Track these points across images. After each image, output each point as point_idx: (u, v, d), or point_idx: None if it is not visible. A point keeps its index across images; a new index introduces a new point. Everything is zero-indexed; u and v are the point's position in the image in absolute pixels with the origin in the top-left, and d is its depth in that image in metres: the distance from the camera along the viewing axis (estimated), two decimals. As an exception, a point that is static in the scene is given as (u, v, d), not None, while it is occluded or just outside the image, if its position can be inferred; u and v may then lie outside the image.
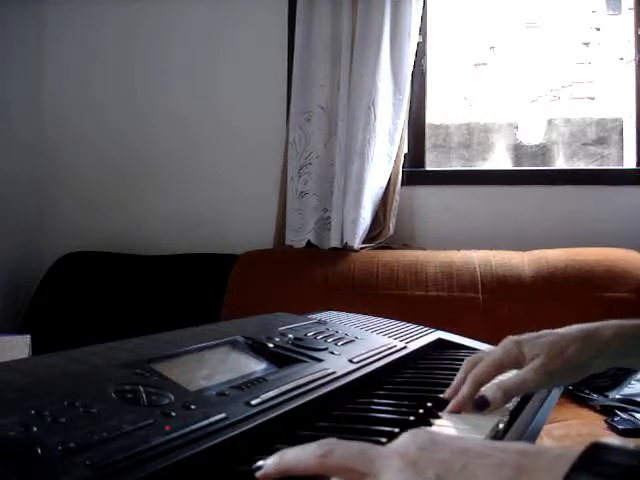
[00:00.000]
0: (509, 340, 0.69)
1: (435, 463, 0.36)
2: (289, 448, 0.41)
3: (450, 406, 0.64)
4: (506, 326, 1.81)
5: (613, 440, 0.32)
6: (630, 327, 0.68)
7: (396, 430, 0.52)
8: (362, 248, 2.09)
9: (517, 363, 0.67)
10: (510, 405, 0.66)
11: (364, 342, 0.80)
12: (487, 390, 0.63)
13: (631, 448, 0.31)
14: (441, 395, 0.67)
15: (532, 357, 0.66)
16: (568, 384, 0.75)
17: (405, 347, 0.83)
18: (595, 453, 0.31)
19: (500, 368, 0.68)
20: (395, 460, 0.36)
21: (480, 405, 0.62)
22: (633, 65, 2.22)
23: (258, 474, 0.40)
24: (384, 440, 0.49)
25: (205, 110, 2.42)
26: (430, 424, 0.58)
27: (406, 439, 0.38)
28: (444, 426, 0.58)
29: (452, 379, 0.68)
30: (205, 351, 0.64)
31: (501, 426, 0.60)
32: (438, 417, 0.60)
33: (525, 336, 0.69)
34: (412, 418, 0.56)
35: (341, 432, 0.50)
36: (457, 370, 0.77)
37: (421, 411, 0.58)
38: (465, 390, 0.65)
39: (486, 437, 0.56)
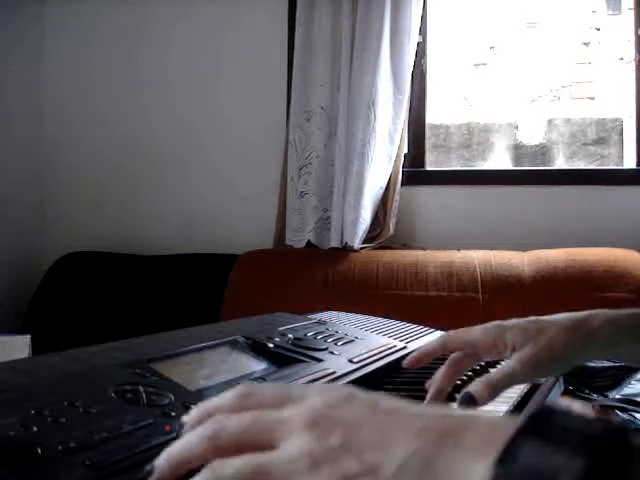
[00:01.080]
0: (493, 323, 0.66)
1: (343, 425, 0.30)
2: (209, 399, 0.36)
3: (408, 359, 0.63)
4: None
5: (565, 404, 0.27)
6: (619, 316, 0.64)
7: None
8: (362, 248, 2.09)
9: (494, 347, 0.64)
10: (515, 396, 0.66)
11: (364, 342, 0.80)
12: (472, 386, 0.59)
13: (588, 415, 0.26)
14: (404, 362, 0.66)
15: (515, 345, 0.62)
16: (555, 375, 0.72)
17: (405, 347, 0.83)
18: (547, 416, 0.26)
19: (471, 345, 0.65)
20: (296, 422, 0.31)
21: (466, 402, 0.58)
22: (633, 65, 2.22)
23: (185, 427, 0.35)
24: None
25: (205, 110, 2.42)
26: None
27: (315, 396, 0.33)
28: None
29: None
30: (205, 351, 0.64)
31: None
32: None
33: (510, 322, 0.65)
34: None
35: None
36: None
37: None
38: (429, 345, 0.64)
39: None
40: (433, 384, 0.63)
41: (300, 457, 0.29)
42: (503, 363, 0.63)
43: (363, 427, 0.30)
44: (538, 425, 0.26)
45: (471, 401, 0.58)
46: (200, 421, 0.35)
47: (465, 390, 0.59)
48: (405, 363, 0.63)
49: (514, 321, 0.66)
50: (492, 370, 0.65)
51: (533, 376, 0.64)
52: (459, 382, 0.66)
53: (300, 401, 0.33)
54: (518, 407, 0.66)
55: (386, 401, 0.32)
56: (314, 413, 0.31)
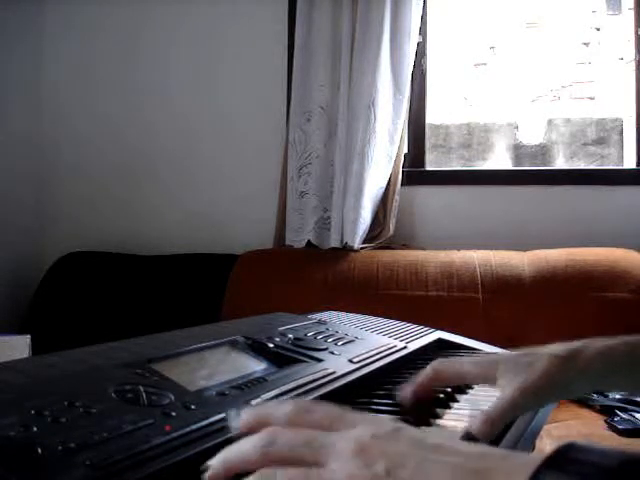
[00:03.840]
0: (484, 357, 0.65)
1: (388, 455, 0.33)
2: (234, 444, 0.39)
3: (401, 392, 0.61)
4: (506, 326, 1.82)
5: (587, 441, 0.30)
6: (614, 346, 0.63)
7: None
8: (362, 248, 2.09)
9: (485, 379, 0.63)
10: None
11: (364, 342, 0.80)
12: (473, 424, 0.56)
13: (605, 448, 0.29)
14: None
15: (509, 377, 0.60)
16: (552, 403, 0.70)
17: (405, 347, 0.83)
18: (567, 452, 0.29)
19: (460, 370, 0.63)
20: (345, 447, 0.34)
21: (468, 439, 0.55)
22: (633, 65, 2.22)
23: (207, 475, 0.38)
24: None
25: (205, 110, 2.42)
26: (429, 424, 0.58)
27: (364, 426, 0.35)
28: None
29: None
30: (205, 351, 0.64)
31: None
32: (439, 417, 0.60)
33: (503, 355, 0.65)
34: (410, 419, 0.56)
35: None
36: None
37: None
38: (420, 377, 0.62)
39: None
40: (408, 386, 0.62)
41: (348, 477, 0.32)
42: (499, 395, 0.60)
43: (406, 460, 0.32)
44: (558, 460, 0.29)
45: (473, 440, 0.55)
46: (255, 426, 0.38)
47: (465, 429, 0.57)
48: (400, 398, 0.62)
49: (507, 354, 0.65)
50: (488, 404, 0.62)
51: (533, 406, 0.62)
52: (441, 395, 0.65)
53: (351, 428, 0.36)
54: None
55: (430, 437, 0.35)
56: (362, 442, 0.34)
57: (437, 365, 0.64)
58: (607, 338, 0.63)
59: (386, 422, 0.37)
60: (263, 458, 0.36)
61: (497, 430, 0.57)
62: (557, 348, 0.62)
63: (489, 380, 0.62)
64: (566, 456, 0.29)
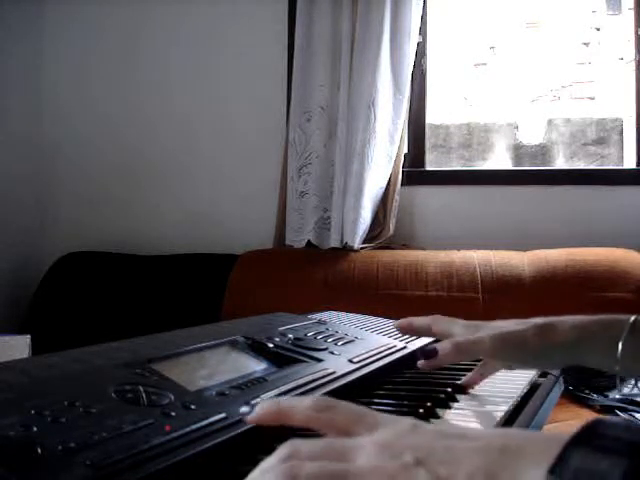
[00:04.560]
0: (471, 322, 0.71)
1: (414, 447, 0.34)
2: (280, 397, 0.40)
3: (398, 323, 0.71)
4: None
5: (612, 417, 0.31)
6: (591, 322, 0.68)
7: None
8: (362, 248, 2.09)
9: (469, 333, 0.68)
10: (515, 396, 0.66)
11: (364, 342, 0.80)
12: (439, 344, 0.64)
13: (633, 424, 0.30)
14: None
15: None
16: (525, 368, 0.75)
17: (405, 347, 0.83)
18: (595, 428, 0.30)
19: (450, 330, 0.70)
20: (370, 446, 0.34)
21: (428, 355, 0.62)
22: (633, 65, 2.22)
23: (251, 417, 0.39)
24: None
25: (205, 110, 2.42)
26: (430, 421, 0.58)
27: (385, 427, 0.36)
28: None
29: (452, 379, 0.68)
30: (205, 351, 0.64)
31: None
32: (437, 417, 0.60)
33: (488, 322, 0.71)
34: (421, 411, 0.56)
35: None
36: (457, 370, 0.77)
37: (421, 410, 0.58)
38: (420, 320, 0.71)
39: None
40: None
41: (376, 469, 0.32)
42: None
43: (433, 449, 0.33)
44: (587, 435, 0.29)
45: (433, 353, 0.63)
46: (273, 419, 0.39)
47: (433, 345, 0.64)
48: (395, 324, 0.71)
49: (492, 322, 0.71)
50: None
51: (498, 355, 0.67)
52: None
53: (371, 430, 0.36)
54: (518, 407, 0.66)
55: (450, 428, 0.36)
56: (386, 440, 0.34)
57: (435, 318, 0.72)
58: (584, 316, 0.68)
59: (404, 420, 0.37)
60: (316, 418, 0.37)
61: (459, 357, 0.65)
62: (537, 319, 0.69)
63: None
64: (594, 432, 0.29)
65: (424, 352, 0.63)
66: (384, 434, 0.35)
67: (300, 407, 0.38)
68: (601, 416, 0.30)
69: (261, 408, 0.39)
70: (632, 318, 0.67)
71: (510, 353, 0.67)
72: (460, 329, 0.69)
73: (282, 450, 0.35)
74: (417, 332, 0.75)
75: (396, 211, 2.16)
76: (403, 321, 0.73)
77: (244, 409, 0.39)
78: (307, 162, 2.17)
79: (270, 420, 0.39)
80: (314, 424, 0.38)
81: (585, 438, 0.29)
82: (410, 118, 2.24)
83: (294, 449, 0.35)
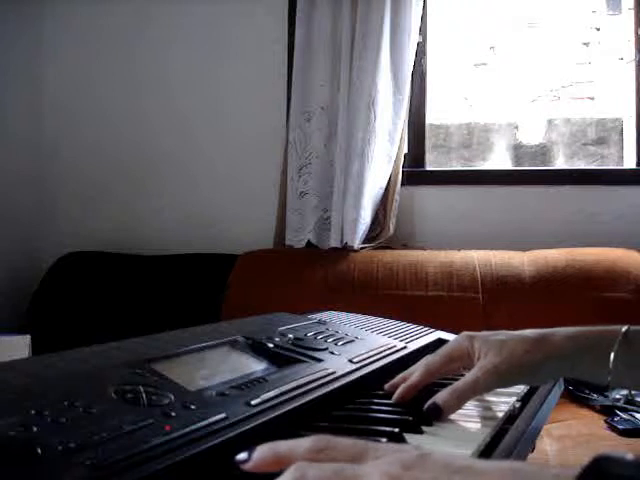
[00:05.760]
0: (463, 334, 0.70)
1: None
2: (278, 441, 0.38)
3: (397, 394, 0.63)
4: (506, 326, 1.81)
5: (615, 451, 0.30)
6: (584, 333, 0.67)
7: (396, 430, 0.52)
8: (362, 248, 2.09)
9: (467, 356, 0.67)
10: (514, 398, 0.66)
11: (364, 342, 0.80)
12: (439, 396, 0.61)
13: (632, 458, 0.29)
14: (385, 386, 0.67)
15: (482, 354, 0.66)
16: (523, 384, 0.74)
17: (405, 347, 0.83)
18: (599, 466, 0.30)
19: (449, 358, 0.68)
20: (375, 476, 0.33)
21: (432, 412, 0.59)
22: (633, 65, 2.22)
23: (248, 465, 0.37)
24: (384, 440, 0.49)
25: (205, 110, 2.42)
26: (429, 425, 0.58)
27: (391, 457, 0.35)
28: (437, 434, 0.57)
29: (452, 379, 0.68)
30: (205, 351, 0.64)
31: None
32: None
33: (480, 333, 0.69)
34: (411, 418, 0.56)
35: (341, 432, 0.50)
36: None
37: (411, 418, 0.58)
38: (414, 377, 0.65)
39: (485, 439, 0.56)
40: (405, 383, 0.65)
41: None
42: (467, 373, 0.65)
43: None
44: (592, 473, 0.29)
45: (437, 410, 0.59)
46: (272, 464, 0.37)
47: (432, 400, 0.60)
48: (394, 398, 0.64)
49: (483, 333, 0.69)
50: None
51: (496, 385, 0.66)
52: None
53: (376, 459, 0.35)
54: (518, 407, 0.66)
55: (457, 460, 0.34)
56: (391, 473, 0.33)
57: (427, 361, 0.68)
58: (579, 327, 0.68)
59: (410, 449, 0.36)
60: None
61: (462, 404, 0.62)
62: (529, 331, 0.67)
63: (470, 355, 0.67)
64: (601, 469, 0.29)
65: (428, 410, 0.60)
66: (391, 466, 0.34)
67: (299, 451, 0.37)
68: (608, 451, 0.30)
69: (259, 454, 0.38)
70: (624, 328, 0.66)
71: (504, 382, 0.66)
72: (453, 344, 0.69)
73: (288, 475, 0.35)
74: (416, 389, 0.66)
75: (396, 211, 2.16)
76: (397, 394, 0.65)
77: (241, 456, 0.38)
78: (307, 162, 2.17)
79: (268, 467, 0.37)
80: None
81: (592, 476, 0.29)
82: (410, 118, 2.24)
83: (300, 474, 0.34)
